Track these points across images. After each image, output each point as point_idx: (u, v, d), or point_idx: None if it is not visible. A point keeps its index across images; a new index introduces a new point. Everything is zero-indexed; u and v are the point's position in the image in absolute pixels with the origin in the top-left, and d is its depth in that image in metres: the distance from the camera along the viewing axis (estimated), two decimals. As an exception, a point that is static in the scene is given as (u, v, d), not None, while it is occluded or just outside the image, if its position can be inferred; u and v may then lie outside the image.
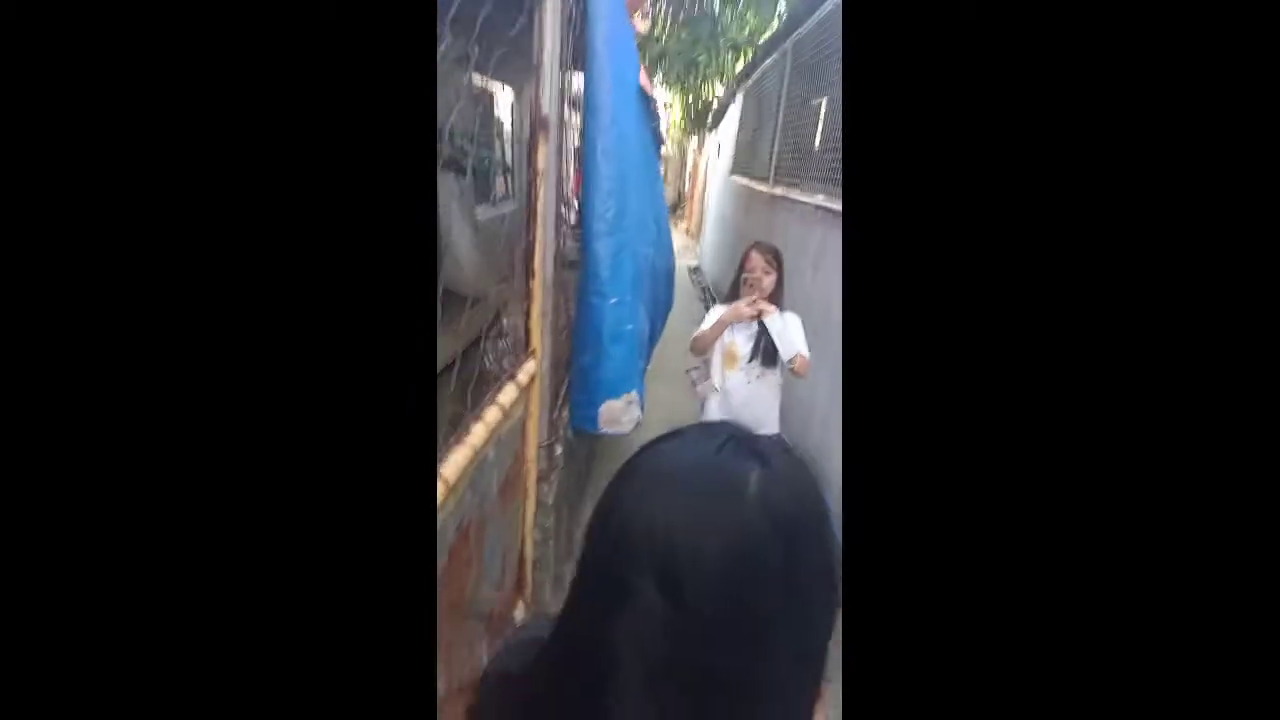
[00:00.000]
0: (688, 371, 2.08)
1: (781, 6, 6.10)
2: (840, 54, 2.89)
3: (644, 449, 0.36)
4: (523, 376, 1.43)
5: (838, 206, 2.57)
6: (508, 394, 1.32)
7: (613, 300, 1.76)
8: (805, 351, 1.79)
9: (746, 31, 6.75)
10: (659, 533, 0.30)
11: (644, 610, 0.29)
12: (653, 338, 2.27)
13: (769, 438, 0.34)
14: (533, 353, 1.52)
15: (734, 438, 0.33)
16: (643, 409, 1.99)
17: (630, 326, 1.84)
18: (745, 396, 1.95)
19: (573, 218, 2.03)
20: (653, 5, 6.24)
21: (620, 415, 1.90)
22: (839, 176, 2.76)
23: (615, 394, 1.87)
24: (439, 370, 1.11)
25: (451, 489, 1.01)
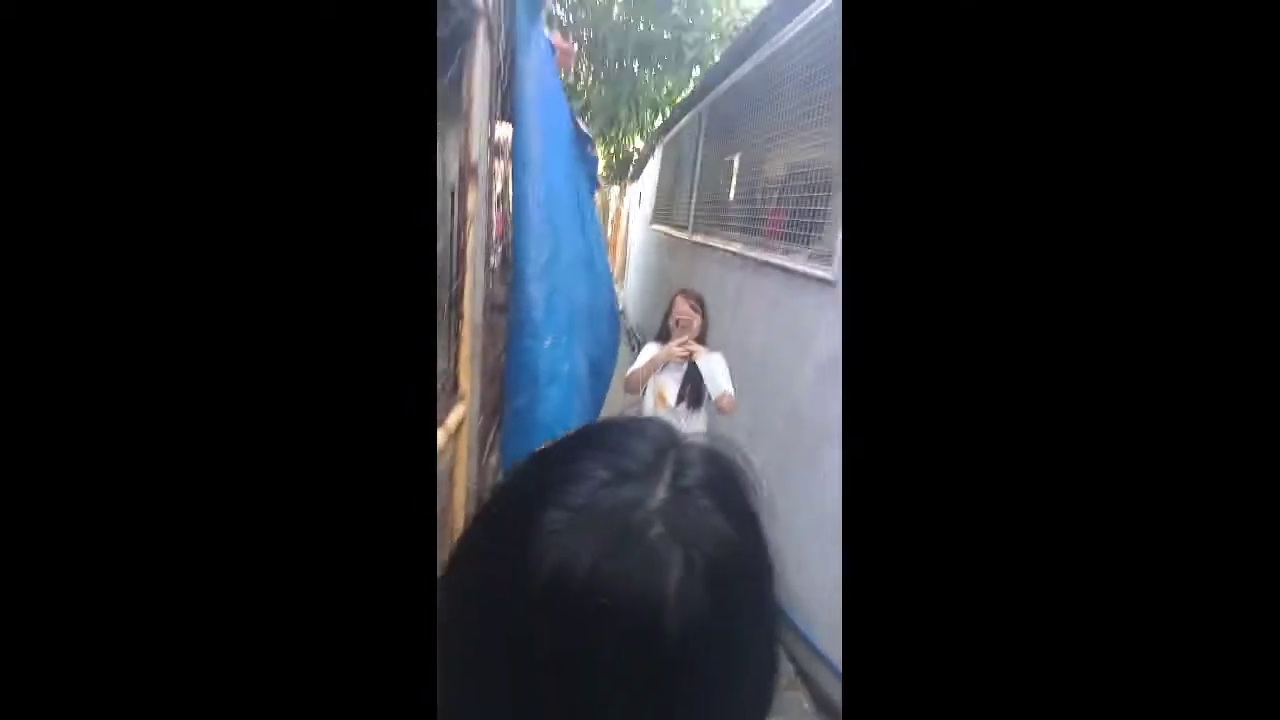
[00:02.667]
0: (623, 412, 2.11)
1: (696, 72, 6.56)
2: (747, 116, 3.14)
3: (540, 495, 0.27)
4: (451, 421, 1.40)
5: (755, 254, 2.74)
6: (438, 439, 1.29)
7: (546, 342, 1.78)
8: (731, 390, 1.87)
9: (664, 92, 7.17)
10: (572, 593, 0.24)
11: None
12: (603, 375, 2.28)
13: (704, 479, 0.28)
14: (462, 397, 1.49)
15: (657, 509, 0.26)
16: None
17: (566, 367, 1.85)
18: None
19: (492, 261, 2.05)
20: (576, 62, 6.51)
21: (557, 456, 1.87)
22: (754, 226, 2.95)
23: (552, 435, 1.84)
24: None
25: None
